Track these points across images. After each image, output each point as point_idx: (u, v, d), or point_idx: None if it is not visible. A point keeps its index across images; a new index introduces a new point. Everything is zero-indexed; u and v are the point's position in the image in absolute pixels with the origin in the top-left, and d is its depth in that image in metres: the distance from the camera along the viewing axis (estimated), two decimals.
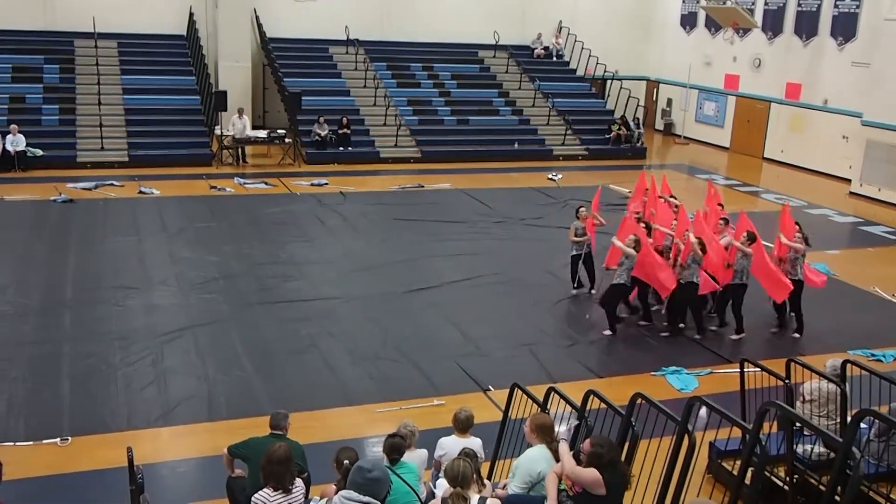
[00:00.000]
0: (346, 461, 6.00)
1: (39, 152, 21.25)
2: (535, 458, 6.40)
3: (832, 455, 7.03)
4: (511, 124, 26.75)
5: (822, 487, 6.99)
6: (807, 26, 25.71)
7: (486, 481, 6.63)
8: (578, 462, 5.96)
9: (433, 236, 16.90)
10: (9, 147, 20.77)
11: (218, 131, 23.30)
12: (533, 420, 6.63)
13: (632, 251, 11.82)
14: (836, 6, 24.72)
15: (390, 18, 28.22)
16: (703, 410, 6.96)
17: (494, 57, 29.26)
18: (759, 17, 27.16)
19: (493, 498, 6.10)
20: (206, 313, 12.54)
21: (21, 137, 20.98)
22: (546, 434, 6.51)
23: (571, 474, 5.85)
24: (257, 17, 26.76)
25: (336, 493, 5.42)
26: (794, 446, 7.37)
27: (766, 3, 27.13)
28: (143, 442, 8.78)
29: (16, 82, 23.50)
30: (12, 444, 8.72)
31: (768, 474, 7.42)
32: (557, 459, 6.25)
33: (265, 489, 5.92)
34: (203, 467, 8.58)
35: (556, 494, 5.96)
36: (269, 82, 27.21)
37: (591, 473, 5.74)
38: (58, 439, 8.88)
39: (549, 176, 22.84)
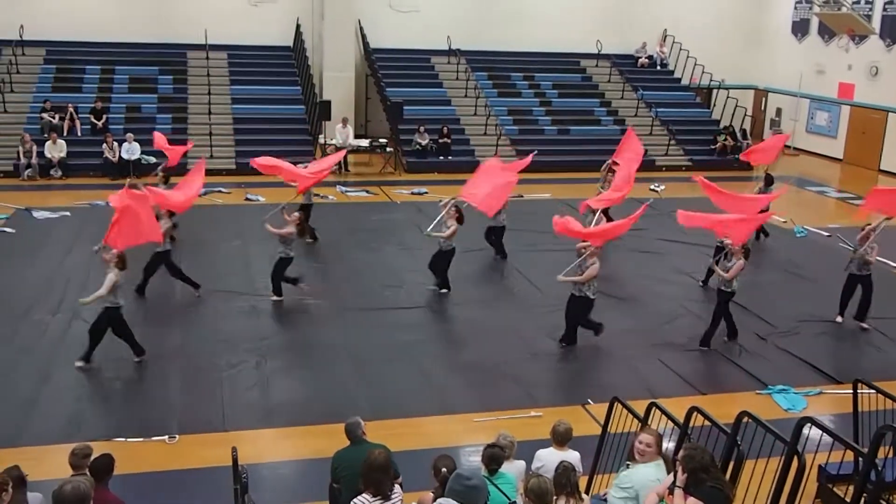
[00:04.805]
0: (443, 469, 6.00)
1: (153, 160, 22.00)
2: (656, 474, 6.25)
3: None
4: (613, 134, 26.31)
5: None
6: None
7: (583, 495, 6.54)
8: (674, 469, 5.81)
9: (531, 247, 16.78)
10: (125, 155, 21.69)
11: (322, 140, 23.77)
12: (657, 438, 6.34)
13: None
14: None
15: (491, 28, 28.20)
16: None
17: (597, 66, 28.98)
18: (876, 24, 26.09)
19: None
20: (307, 318, 12.80)
21: (136, 146, 21.88)
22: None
23: None
24: (361, 29, 27.21)
25: (433, 500, 5.42)
26: None
27: (884, 9, 26.04)
28: (246, 442, 8.98)
29: (132, 92, 24.53)
30: (124, 439, 9.07)
31: (884, 503, 7.08)
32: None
33: (364, 494, 5.96)
34: (302, 469, 8.74)
35: None
36: (372, 92, 27.59)
37: None
38: (166, 437, 9.20)
39: (652, 187, 22.41)
